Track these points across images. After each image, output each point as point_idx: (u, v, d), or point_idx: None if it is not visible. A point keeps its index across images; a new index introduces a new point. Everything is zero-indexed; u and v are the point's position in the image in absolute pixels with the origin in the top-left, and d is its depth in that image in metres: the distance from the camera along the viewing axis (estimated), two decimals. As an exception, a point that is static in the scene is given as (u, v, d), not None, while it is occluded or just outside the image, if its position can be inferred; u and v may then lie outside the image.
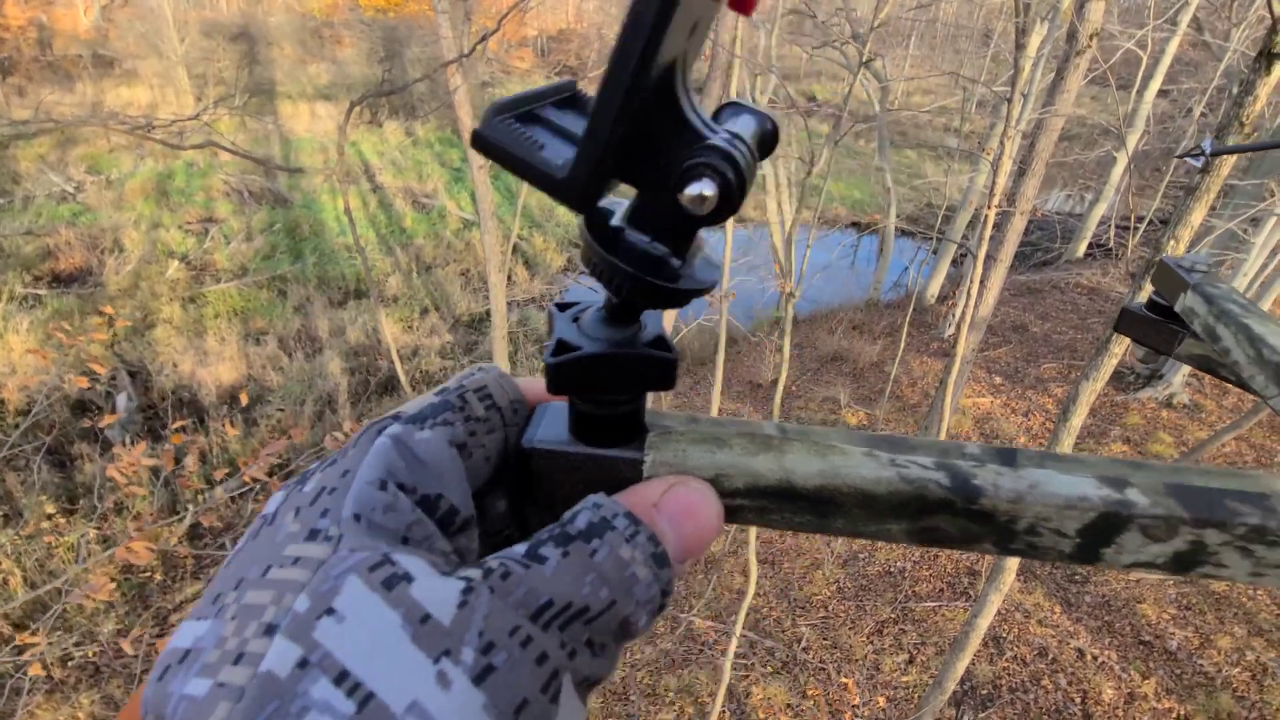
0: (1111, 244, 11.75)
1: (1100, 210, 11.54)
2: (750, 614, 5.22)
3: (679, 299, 0.22)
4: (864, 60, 4.19)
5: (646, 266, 0.22)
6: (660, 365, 0.24)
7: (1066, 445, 2.24)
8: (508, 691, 0.15)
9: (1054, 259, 11.82)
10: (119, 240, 10.98)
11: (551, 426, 0.26)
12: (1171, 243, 1.89)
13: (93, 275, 10.24)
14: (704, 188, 0.20)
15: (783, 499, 0.25)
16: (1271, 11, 1.59)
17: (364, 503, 0.17)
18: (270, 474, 7.03)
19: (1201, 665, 4.69)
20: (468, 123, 4.06)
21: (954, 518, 0.25)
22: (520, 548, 0.18)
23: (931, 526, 0.25)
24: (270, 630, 0.14)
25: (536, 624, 0.16)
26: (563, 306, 0.26)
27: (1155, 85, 9.72)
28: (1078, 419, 2.18)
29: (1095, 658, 4.76)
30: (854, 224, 13.96)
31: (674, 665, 4.89)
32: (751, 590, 4.06)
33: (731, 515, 0.26)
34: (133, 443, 4.84)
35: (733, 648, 4.18)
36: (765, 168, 8.72)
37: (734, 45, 4.40)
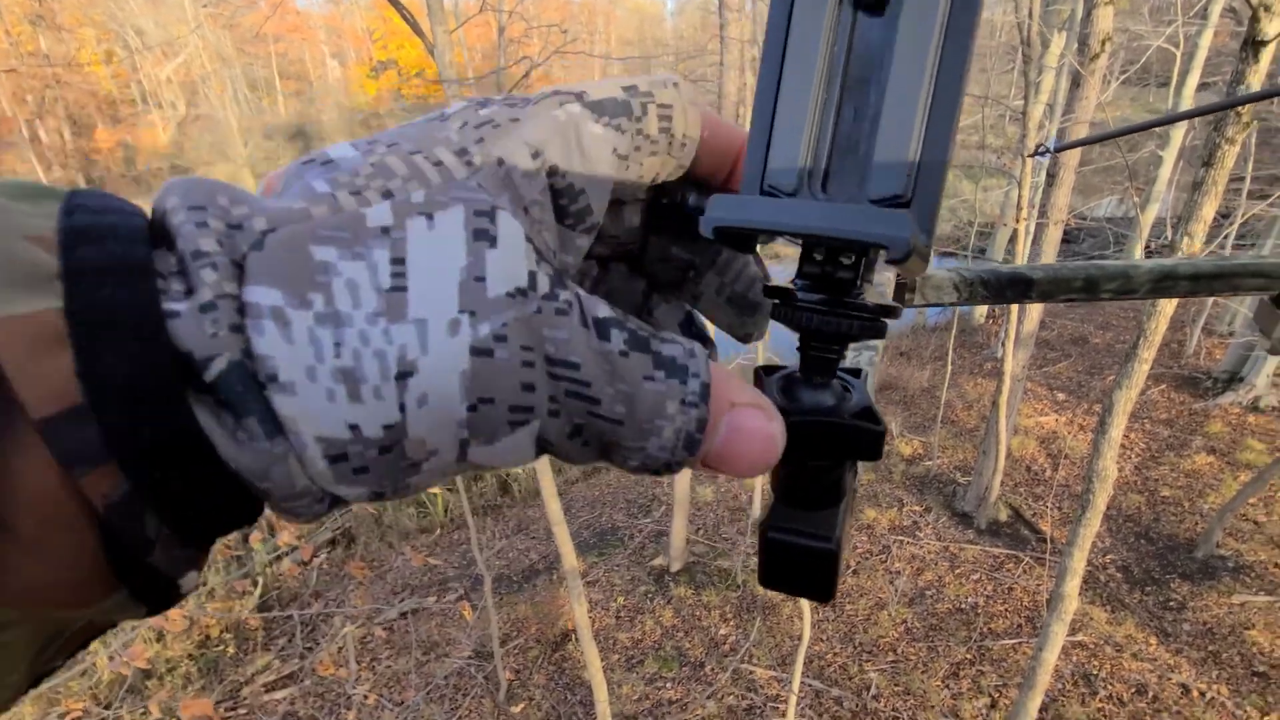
0: (1170, 244, 11.18)
1: (1154, 211, 11.03)
2: (814, 661, 4.98)
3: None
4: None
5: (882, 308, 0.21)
6: (869, 437, 0.22)
7: (1109, 459, 2.12)
8: (487, 380, 0.16)
9: (1109, 266, 11.31)
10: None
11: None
12: (1186, 239, 1.82)
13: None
14: None
15: None
16: (1249, 1, 1.57)
17: (512, 156, 0.18)
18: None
19: (1330, 698, 4.19)
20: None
21: None
22: (602, 308, 0.18)
23: None
24: (387, 195, 0.17)
25: (549, 367, 0.17)
26: (768, 370, 0.25)
27: (1193, 80, 9.37)
28: (1117, 430, 2.07)
29: (1203, 693, 4.32)
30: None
31: (737, 720, 4.69)
32: (807, 636, 3.90)
33: None
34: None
35: (793, 701, 4.00)
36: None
37: (741, 92, 4.54)
